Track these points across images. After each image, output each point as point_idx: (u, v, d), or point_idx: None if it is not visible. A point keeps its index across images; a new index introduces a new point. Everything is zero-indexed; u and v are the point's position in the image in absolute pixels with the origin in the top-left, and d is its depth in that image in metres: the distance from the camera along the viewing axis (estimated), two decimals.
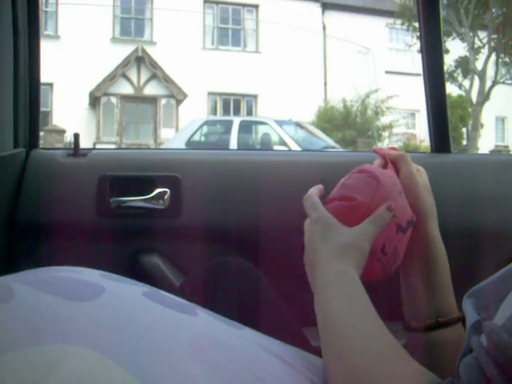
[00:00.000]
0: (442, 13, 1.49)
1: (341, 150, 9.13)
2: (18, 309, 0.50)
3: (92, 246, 1.34)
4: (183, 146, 9.82)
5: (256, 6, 16.71)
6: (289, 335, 0.98)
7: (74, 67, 13.82)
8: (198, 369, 0.55)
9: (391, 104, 15.42)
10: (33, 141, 1.42)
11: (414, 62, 15.92)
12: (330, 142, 10.66)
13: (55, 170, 1.37)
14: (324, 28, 17.05)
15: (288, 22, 15.68)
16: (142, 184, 1.35)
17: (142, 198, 1.33)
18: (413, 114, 17.09)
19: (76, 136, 1.41)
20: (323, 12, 17.14)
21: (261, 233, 1.34)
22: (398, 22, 15.95)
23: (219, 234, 1.35)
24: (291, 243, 1.37)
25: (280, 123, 10.34)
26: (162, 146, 12.40)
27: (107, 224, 1.34)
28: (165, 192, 1.33)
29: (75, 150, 1.38)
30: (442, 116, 1.47)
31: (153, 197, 1.33)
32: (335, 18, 17.05)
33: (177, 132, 13.33)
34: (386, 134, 15.47)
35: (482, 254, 1.35)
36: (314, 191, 0.79)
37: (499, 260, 1.32)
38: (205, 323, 0.65)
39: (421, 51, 1.51)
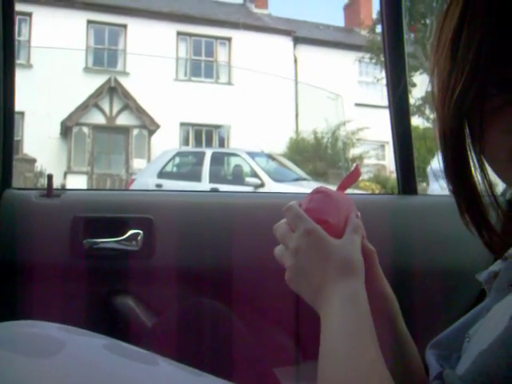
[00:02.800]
0: (409, 48, 1.54)
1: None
2: None
3: (65, 286, 1.34)
4: (155, 177, 9.81)
5: (229, 39, 16.92)
6: (260, 376, 1.00)
7: (46, 96, 13.75)
8: None
9: (361, 136, 15.64)
10: (6, 180, 1.42)
11: (383, 95, 16.22)
12: (302, 173, 10.74)
13: (28, 211, 1.37)
14: (295, 61, 17.33)
15: (260, 55, 15.91)
16: (115, 225, 1.36)
17: (115, 239, 1.34)
18: (382, 146, 17.34)
19: (49, 177, 1.42)
20: (295, 45, 17.45)
21: (233, 274, 1.36)
22: (367, 55, 16.32)
23: (192, 276, 1.37)
24: (263, 285, 1.39)
25: (252, 155, 10.38)
26: (133, 177, 12.33)
27: (80, 265, 1.35)
28: (138, 233, 1.35)
29: (49, 190, 1.39)
30: (408, 157, 1.52)
31: (126, 238, 1.34)
32: (306, 51, 17.35)
33: (149, 163, 13.30)
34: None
35: (447, 293, 1.39)
36: (295, 202, 0.74)
37: (464, 300, 1.36)
38: (167, 372, 0.66)
39: (387, 86, 1.55)
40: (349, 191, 0.80)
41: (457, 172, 0.59)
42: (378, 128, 13.56)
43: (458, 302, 1.35)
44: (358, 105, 16.71)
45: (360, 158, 15.69)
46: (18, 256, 1.33)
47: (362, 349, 0.60)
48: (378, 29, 15.72)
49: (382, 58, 1.63)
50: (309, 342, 1.37)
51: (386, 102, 1.57)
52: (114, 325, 1.33)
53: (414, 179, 1.52)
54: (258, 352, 1.03)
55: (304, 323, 1.38)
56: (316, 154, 14.95)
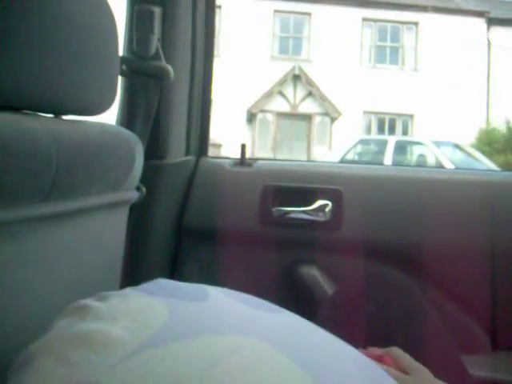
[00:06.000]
0: None
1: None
2: (212, 306, 0.58)
3: (252, 253, 1.39)
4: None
5: (416, 23, 16.33)
6: (445, 360, 0.95)
7: (233, 85, 14.41)
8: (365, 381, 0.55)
9: None
10: (202, 149, 1.49)
11: None
12: (491, 165, 10.08)
13: (222, 178, 1.44)
14: (489, 44, 16.22)
15: (449, 39, 15.16)
16: (304, 195, 1.37)
17: (303, 209, 1.35)
18: None
19: (243, 146, 1.47)
20: (488, 28, 16.31)
21: (420, 252, 1.30)
22: None
23: (378, 250, 1.33)
24: (452, 265, 1.32)
25: (437, 144, 9.95)
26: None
27: (268, 233, 1.38)
28: (326, 204, 1.34)
29: (242, 159, 1.44)
30: None
31: (314, 209, 1.35)
32: (502, 33, 16.12)
33: (330, 150, 13.37)
34: None
35: None
36: None
37: None
38: (287, 320, 0.65)
39: None
40: None
41: None
42: None
43: None
44: None
45: None
46: (211, 220, 1.40)
47: None
48: None
49: None
50: (504, 331, 1.27)
51: None
52: (296, 292, 1.35)
53: None
54: (443, 334, 0.98)
55: (500, 310, 1.28)
56: (508, 146, 13.91)
